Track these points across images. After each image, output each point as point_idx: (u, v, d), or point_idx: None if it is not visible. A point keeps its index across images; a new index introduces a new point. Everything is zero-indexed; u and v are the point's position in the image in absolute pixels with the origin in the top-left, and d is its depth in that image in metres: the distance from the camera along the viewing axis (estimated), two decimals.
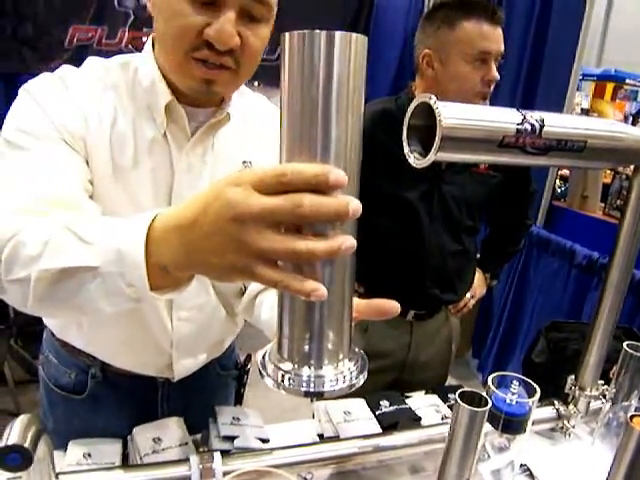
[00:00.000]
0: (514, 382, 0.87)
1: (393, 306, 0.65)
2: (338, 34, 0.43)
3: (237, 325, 1.11)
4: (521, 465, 1.09)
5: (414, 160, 0.63)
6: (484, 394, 0.81)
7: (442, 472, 0.81)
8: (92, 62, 0.89)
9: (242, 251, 0.45)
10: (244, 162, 0.94)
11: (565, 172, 2.77)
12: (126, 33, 2.99)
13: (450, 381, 3.03)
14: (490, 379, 0.87)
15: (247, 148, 0.95)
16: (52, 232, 0.62)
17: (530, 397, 0.87)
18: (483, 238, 1.79)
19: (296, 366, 0.51)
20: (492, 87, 1.33)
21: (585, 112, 3.13)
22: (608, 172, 2.70)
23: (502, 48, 1.31)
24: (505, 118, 0.64)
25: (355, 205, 0.45)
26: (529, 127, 0.64)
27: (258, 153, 0.96)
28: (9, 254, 0.63)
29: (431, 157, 0.60)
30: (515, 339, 2.64)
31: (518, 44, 2.81)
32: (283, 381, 0.51)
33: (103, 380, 1.04)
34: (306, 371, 0.51)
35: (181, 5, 0.73)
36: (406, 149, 0.64)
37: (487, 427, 0.84)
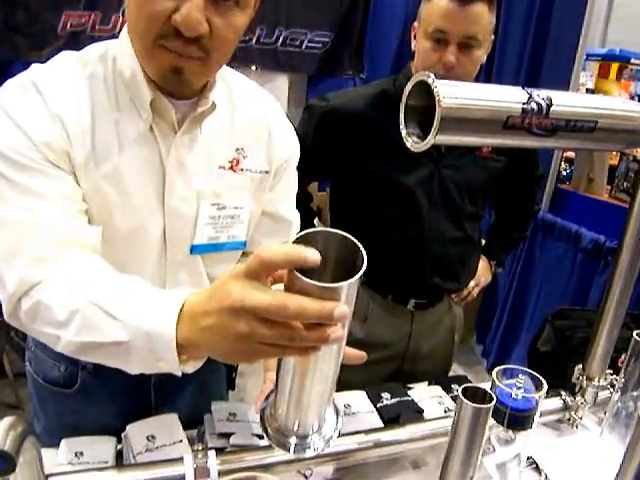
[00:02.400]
0: (520, 375, 0.84)
1: (357, 355, 0.68)
2: None
3: None
4: (527, 458, 1.06)
5: (412, 143, 0.59)
6: (488, 389, 0.77)
7: (445, 470, 0.78)
8: (66, 57, 0.84)
9: (242, 339, 0.51)
10: (237, 149, 0.93)
11: (570, 154, 2.71)
12: (120, 18, 2.92)
13: (454, 367, 3.01)
14: (495, 372, 0.83)
15: (238, 135, 0.93)
16: (78, 301, 0.66)
17: (536, 391, 0.83)
18: (489, 224, 1.73)
19: (285, 433, 0.65)
20: (456, 73, 1.22)
21: (590, 92, 3.06)
22: (615, 154, 2.64)
23: (471, 30, 1.20)
24: (510, 97, 0.59)
25: (341, 311, 0.48)
26: (536, 106, 0.60)
27: (250, 139, 0.94)
28: (31, 309, 0.70)
29: (430, 140, 0.56)
30: (520, 324, 2.60)
31: (522, 24, 2.74)
32: (275, 441, 0.65)
33: (94, 371, 1.01)
34: (292, 439, 0.65)
35: None
36: (403, 132, 0.60)
37: (492, 420, 0.81)
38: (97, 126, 0.80)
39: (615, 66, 3.12)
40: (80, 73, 0.81)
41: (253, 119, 0.95)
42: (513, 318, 2.69)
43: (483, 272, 1.64)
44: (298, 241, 0.50)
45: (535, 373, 0.86)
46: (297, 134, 1.04)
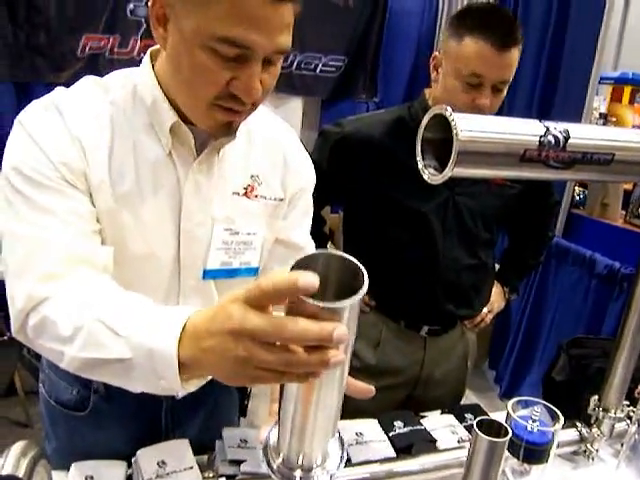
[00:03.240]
0: (535, 407, 0.83)
1: (365, 390, 0.68)
2: None
3: None
4: None
5: (429, 176, 0.59)
6: (502, 419, 0.76)
7: None
8: (89, 82, 0.86)
9: (240, 363, 0.51)
10: (252, 176, 0.94)
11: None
12: (138, 42, 2.97)
13: (467, 393, 2.97)
14: (510, 404, 0.82)
15: (254, 162, 0.94)
16: (83, 317, 0.67)
17: (552, 424, 0.82)
18: (502, 250, 1.72)
19: (289, 466, 0.63)
20: (485, 114, 1.20)
21: (603, 116, 3.06)
22: None
23: (506, 75, 1.19)
24: (527, 130, 0.59)
25: (341, 332, 0.47)
26: (553, 139, 0.60)
27: (265, 166, 0.95)
28: (37, 324, 0.71)
29: (447, 173, 0.56)
30: (533, 351, 2.57)
31: (535, 47, 2.76)
32: (280, 475, 0.64)
33: (106, 395, 1.01)
34: (297, 473, 0.63)
35: (207, 59, 0.72)
36: (420, 164, 0.60)
37: (507, 452, 0.80)
38: (115, 149, 0.82)
39: (628, 90, 3.11)
40: (102, 98, 0.84)
41: (269, 146, 0.96)
42: (526, 344, 2.66)
43: (496, 298, 1.62)
44: (299, 264, 0.50)
45: (551, 405, 0.85)
46: (311, 159, 1.05)
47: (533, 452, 0.79)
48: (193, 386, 0.65)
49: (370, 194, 1.37)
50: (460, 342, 1.56)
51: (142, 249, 0.86)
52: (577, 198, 2.63)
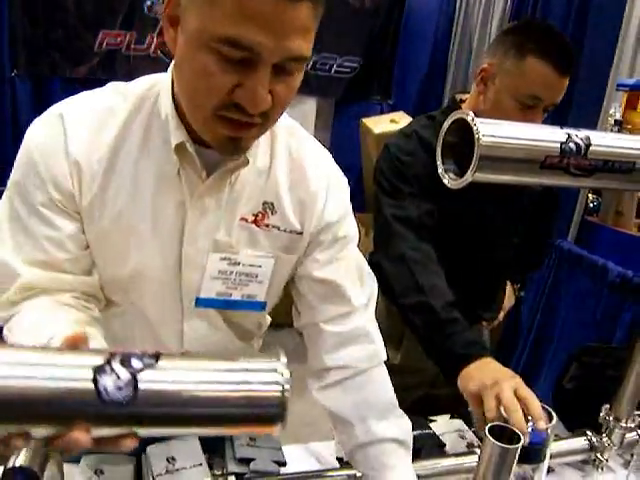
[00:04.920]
0: None
1: None
2: None
3: (254, 347, 1.07)
4: None
5: (449, 180, 0.59)
6: (515, 428, 0.76)
7: None
8: (109, 90, 0.82)
9: None
10: (265, 203, 0.85)
11: None
12: (155, 38, 2.99)
13: None
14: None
15: (271, 189, 0.85)
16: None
17: (546, 424, 0.82)
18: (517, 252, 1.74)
19: None
20: None
21: (619, 124, 3.03)
22: None
23: (558, 100, 1.19)
24: (548, 137, 0.59)
25: None
26: (574, 147, 0.60)
27: (284, 196, 0.86)
28: (11, 325, 0.77)
29: (468, 178, 0.56)
30: (542, 357, 2.55)
31: None
32: None
33: None
34: None
35: (210, 62, 0.65)
36: (440, 168, 0.60)
37: None
38: (115, 168, 0.78)
39: None
40: (117, 108, 0.79)
41: (296, 173, 0.87)
42: (535, 350, 2.64)
43: (509, 296, 1.63)
44: None
45: (546, 406, 0.85)
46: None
47: (529, 452, 0.79)
48: None
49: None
50: None
51: (142, 271, 0.83)
52: (591, 205, 2.61)
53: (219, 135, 0.71)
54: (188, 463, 0.95)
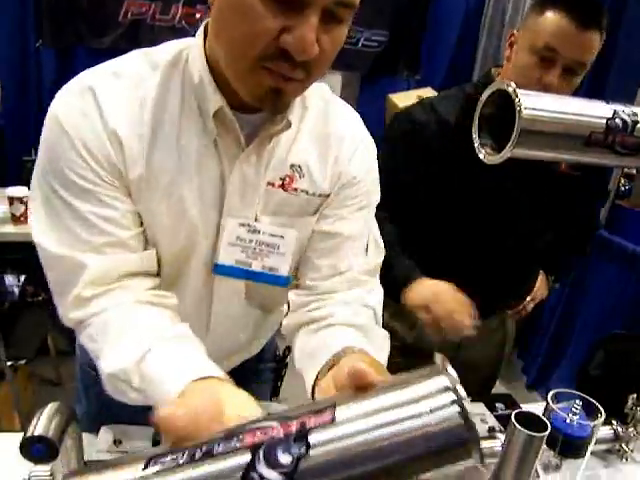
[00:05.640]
0: (576, 401, 0.80)
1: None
2: None
3: (276, 324, 1.06)
4: None
5: (485, 155, 0.56)
6: (535, 410, 0.73)
7: None
8: (137, 57, 0.78)
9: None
10: (292, 166, 0.82)
11: (630, 170, 2.60)
12: (180, 9, 2.95)
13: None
14: (550, 396, 0.79)
15: (299, 151, 0.82)
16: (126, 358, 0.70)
17: (592, 418, 0.79)
18: (550, 238, 1.65)
19: None
20: None
21: None
22: None
23: (582, 57, 1.13)
24: (594, 112, 0.56)
25: None
26: (620, 123, 0.56)
27: (313, 157, 0.83)
28: (93, 332, 0.75)
29: (506, 152, 0.53)
30: (566, 343, 2.51)
31: None
32: None
33: None
34: None
35: (255, 3, 0.61)
36: (476, 142, 0.57)
37: None
38: (158, 139, 0.75)
39: None
40: (148, 75, 0.75)
41: (321, 132, 0.83)
42: (559, 336, 2.60)
43: (540, 286, 1.55)
44: None
45: (591, 399, 0.82)
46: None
47: (571, 446, 0.77)
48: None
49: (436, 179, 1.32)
50: (500, 329, 1.52)
51: (182, 244, 0.81)
52: (622, 189, 2.54)
53: (262, 87, 0.67)
54: None
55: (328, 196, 0.85)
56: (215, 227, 0.81)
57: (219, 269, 0.83)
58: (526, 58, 1.16)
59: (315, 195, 0.84)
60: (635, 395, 1.07)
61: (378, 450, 0.42)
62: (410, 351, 1.42)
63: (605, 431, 1.08)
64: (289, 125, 0.77)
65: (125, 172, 0.75)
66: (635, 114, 0.58)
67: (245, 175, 0.79)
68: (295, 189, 0.82)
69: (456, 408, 0.42)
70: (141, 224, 0.79)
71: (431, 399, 0.43)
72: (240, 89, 0.70)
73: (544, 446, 0.78)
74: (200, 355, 0.71)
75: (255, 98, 0.69)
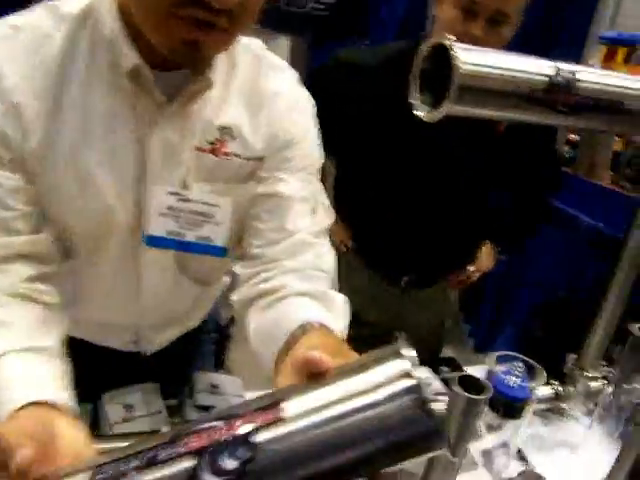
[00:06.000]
0: (518, 364, 0.81)
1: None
2: None
3: (215, 295, 1.02)
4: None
5: (423, 113, 0.53)
6: (478, 374, 0.73)
7: (431, 461, 0.74)
8: (40, 12, 0.70)
9: None
10: (222, 128, 0.76)
11: (574, 137, 2.65)
12: None
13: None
14: (491, 358, 0.80)
15: (228, 111, 0.76)
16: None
17: (533, 380, 0.80)
18: (501, 208, 1.62)
19: None
20: None
21: None
22: (620, 139, 2.58)
23: (504, 7, 1.10)
24: (535, 69, 0.54)
25: None
26: (563, 81, 0.55)
27: (244, 118, 0.77)
28: None
29: (444, 110, 0.51)
30: (509, 308, 2.58)
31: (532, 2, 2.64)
32: None
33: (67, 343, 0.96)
34: None
35: None
36: (414, 100, 0.54)
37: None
38: (62, 103, 0.68)
39: (623, 50, 3.03)
40: (52, 32, 0.68)
41: (255, 93, 0.78)
42: (503, 300, 2.66)
43: (486, 257, 1.53)
44: None
45: (532, 361, 0.83)
46: None
47: (512, 407, 0.78)
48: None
49: (364, 134, 1.29)
50: (440, 299, 1.52)
51: (101, 220, 0.76)
52: (566, 156, 2.59)
53: (174, 38, 0.61)
54: (146, 410, 0.92)
55: (263, 159, 0.80)
56: (137, 196, 0.76)
57: (150, 241, 0.78)
58: (450, 12, 1.15)
59: (249, 159, 0.78)
60: (574, 356, 1.10)
61: (332, 447, 0.38)
62: (369, 328, 1.41)
63: (546, 391, 1.11)
64: (211, 83, 0.72)
65: (20, 140, 0.68)
66: (577, 73, 0.57)
67: (167, 139, 0.73)
68: (227, 153, 0.77)
69: (415, 395, 0.39)
70: (35, 203, 0.72)
71: (388, 386, 0.39)
72: (156, 42, 0.64)
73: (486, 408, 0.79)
74: (50, 376, 0.65)
75: (170, 51, 0.64)
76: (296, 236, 0.79)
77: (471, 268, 1.49)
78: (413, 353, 0.40)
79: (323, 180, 0.88)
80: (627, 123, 0.62)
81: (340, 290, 1.43)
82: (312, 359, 0.44)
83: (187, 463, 0.38)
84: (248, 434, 0.39)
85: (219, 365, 1.17)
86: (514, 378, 0.77)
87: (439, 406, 0.44)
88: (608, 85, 0.58)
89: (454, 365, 1.22)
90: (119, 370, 0.98)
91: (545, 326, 1.31)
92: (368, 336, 1.43)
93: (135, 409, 0.91)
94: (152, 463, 0.39)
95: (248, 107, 0.77)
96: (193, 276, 0.90)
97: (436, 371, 1.20)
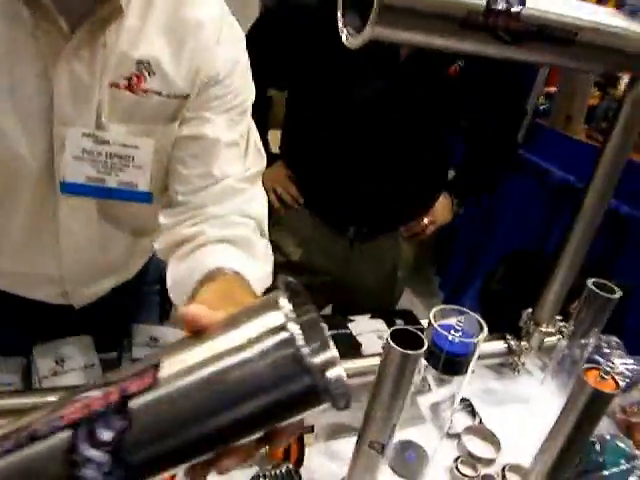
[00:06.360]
0: (460, 317, 0.77)
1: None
2: None
3: (152, 246, 0.97)
4: (463, 400, 1.03)
5: (346, 36, 0.47)
6: (420, 333, 0.69)
7: (367, 416, 0.72)
8: None
9: None
10: (139, 62, 0.69)
11: (551, 89, 2.59)
12: None
13: (410, 297, 2.98)
14: (433, 312, 0.76)
15: (146, 44, 0.69)
16: None
17: (476, 335, 0.77)
18: (458, 158, 1.56)
19: None
20: None
21: None
22: (596, 93, 2.52)
23: None
24: None
25: None
26: (504, 5, 0.48)
27: (164, 51, 0.70)
28: None
29: (366, 34, 0.44)
30: (479, 260, 2.56)
31: None
32: None
33: None
34: None
35: None
36: (340, 22, 0.48)
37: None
38: None
39: None
40: None
41: (176, 22, 0.70)
42: (472, 252, 2.65)
43: (442, 210, 1.48)
44: None
45: (476, 315, 0.79)
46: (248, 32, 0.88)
47: (453, 363, 0.74)
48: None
49: (309, 72, 1.24)
50: (392, 251, 1.46)
51: (8, 163, 0.69)
52: (541, 108, 2.53)
53: None
54: (79, 364, 0.88)
55: (187, 97, 0.73)
56: (46, 138, 0.69)
57: (67, 188, 0.72)
58: None
59: (170, 97, 0.72)
60: (530, 310, 1.07)
61: (206, 411, 0.35)
62: (297, 269, 1.40)
63: (498, 345, 1.09)
64: (120, 9, 0.64)
65: None
66: None
67: (75, 74, 0.66)
68: (145, 90, 0.70)
69: (289, 350, 0.35)
70: None
71: (261, 342, 0.35)
72: None
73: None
74: None
75: None
76: (223, 182, 0.74)
77: (426, 220, 1.44)
78: (288, 303, 0.36)
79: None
80: (579, 58, 0.56)
81: (288, 239, 1.40)
82: (186, 315, 0.39)
83: (64, 436, 0.36)
84: (123, 402, 0.36)
85: (165, 317, 1.12)
86: (455, 333, 0.73)
87: (319, 359, 0.40)
88: (557, 13, 0.52)
89: (410, 318, 1.19)
90: (52, 323, 0.93)
91: (508, 279, 1.28)
92: (320, 284, 1.42)
93: (66, 362, 0.87)
94: (31, 439, 0.37)
95: (169, 39, 0.70)
96: (120, 226, 0.84)
97: (391, 324, 1.17)
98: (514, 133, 1.59)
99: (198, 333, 0.38)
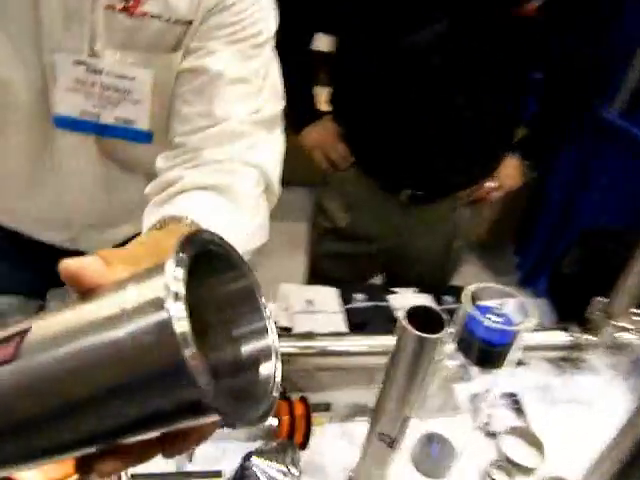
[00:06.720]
0: (502, 300, 0.64)
1: None
2: None
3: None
4: (510, 395, 0.90)
5: None
6: (443, 314, 0.57)
7: (378, 404, 0.61)
8: None
9: None
10: None
11: None
12: None
13: (483, 274, 2.79)
14: (468, 291, 0.63)
15: None
16: None
17: (519, 323, 0.63)
18: (527, 116, 1.33)
19: None
20: None
21: None
22: None
23: None
24: None
25: None
26: None
27: None
28: None
29: None
30: (562, 238, 2.33)
31: None
32: None
33: (7, 237, 0.88)
34: None
35: None
36: None
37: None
38: None
39: None
40: None
41: None
42: (557, 230, 2.41)
43: (510, 173, 1.30)
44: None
45: (528, 300, 0.66)
46: None
47: (487, 353, 0.62)
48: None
49: (360, 14, 1.11)
50: (450, 217, 1.31)
51: (2, 93, 0.65)
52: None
53: None
54: None
55: (190, 23, 0.65)
56: (37, 66, 0.64)
57: (60, 122, 0.67)
58: None
59: (171, 22, 0.64)
60: (600, 299, 0.92)
61: (61, 396, 0.27)
62: (344, 236, 1.30)
63: (560, 337, 0.94)
64: None
65: None
66: None
67: None
68: (143, 13, 0.63)
69: (163, 335, 0.25)
70: None
71: (133, 320, 0.26)
72: None
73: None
74: None
75: None
76: (224, 123, 0.64)
77: (491, 184, 1.27)
78: (180, 269, 0.25)
79: None
80: None
81: (335, 203, 1.30)
82: (65, 271, 0.30)
83: None
84: None
85: None
86: (493, 317, 0.60)
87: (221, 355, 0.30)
88: None
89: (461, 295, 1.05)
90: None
91: (578, 261, 1.11)
92: (367, 253, 1.30)
93: None
94: None
95: None
96: (129, 168, 0.77)
97: (439, 300, 1.05)
98: (593, 88, 1.38)
99: (85, 295, 0.29)
